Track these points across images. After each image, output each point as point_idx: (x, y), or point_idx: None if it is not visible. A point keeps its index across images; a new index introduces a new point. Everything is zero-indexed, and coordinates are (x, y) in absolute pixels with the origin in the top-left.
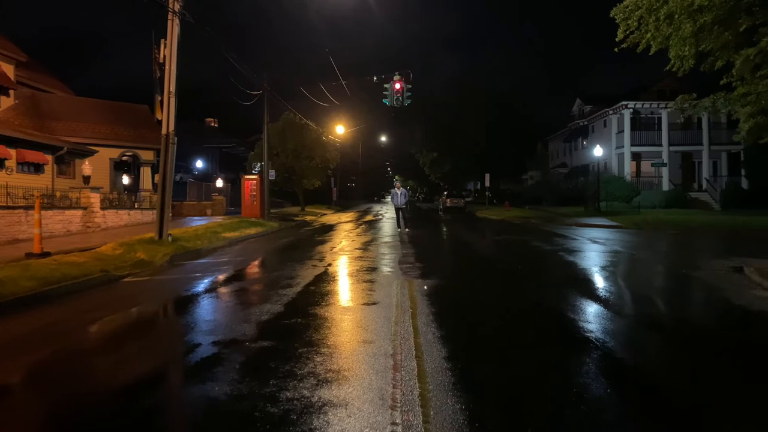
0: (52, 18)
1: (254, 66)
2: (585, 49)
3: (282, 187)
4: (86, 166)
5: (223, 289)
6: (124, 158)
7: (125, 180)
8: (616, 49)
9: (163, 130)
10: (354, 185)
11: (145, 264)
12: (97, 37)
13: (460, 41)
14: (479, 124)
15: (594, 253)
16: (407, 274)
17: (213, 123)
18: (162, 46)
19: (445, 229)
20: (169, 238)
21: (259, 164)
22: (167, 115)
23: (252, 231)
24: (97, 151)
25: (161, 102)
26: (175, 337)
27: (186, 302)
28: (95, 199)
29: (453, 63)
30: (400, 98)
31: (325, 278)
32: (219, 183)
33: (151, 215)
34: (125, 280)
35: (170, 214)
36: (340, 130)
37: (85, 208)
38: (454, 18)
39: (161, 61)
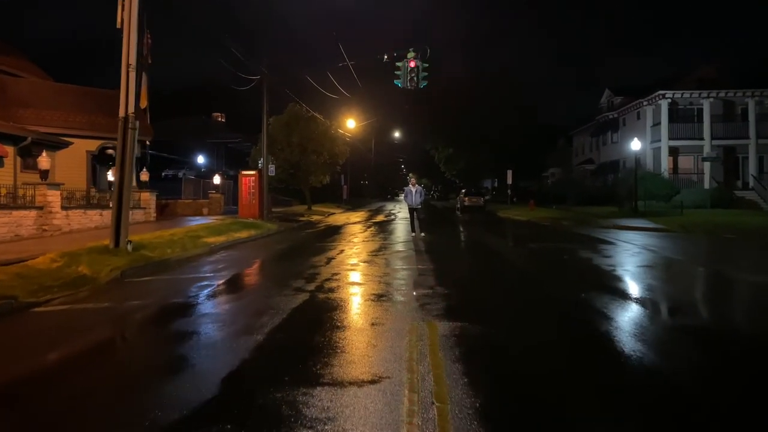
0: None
1: (252, 48)
2: (609, 42)
3: (288, 185)
4: (43, 159)
5: (150, 332)
6: (108, 151)
7: (110, 176)
8: None
9: (121, 112)
10: (366, 183)
11: (83, 282)
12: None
13: (480, 30)
14: (498, 118)
15: (664, 270)
16: (427, 310)
17: (220, 118)
18: (120, 8)
19: (467, 234)
20: (129, 246)
21: (262, 159)
22: (126, 93)
23: (243, 234)
24: (71, 143)
25: (125, 84)
26: None
27: (70, 364)
28: (53, 197)
29: (471, 53)
30: (415, 79)
31: (305, 316)
32: (216, 180)
33: (130, 215)
34: (37, 309)
35: (129, 215)
36: (350, 124)
37: (40, 208)
38: (473, 6)
39: (119, 26)
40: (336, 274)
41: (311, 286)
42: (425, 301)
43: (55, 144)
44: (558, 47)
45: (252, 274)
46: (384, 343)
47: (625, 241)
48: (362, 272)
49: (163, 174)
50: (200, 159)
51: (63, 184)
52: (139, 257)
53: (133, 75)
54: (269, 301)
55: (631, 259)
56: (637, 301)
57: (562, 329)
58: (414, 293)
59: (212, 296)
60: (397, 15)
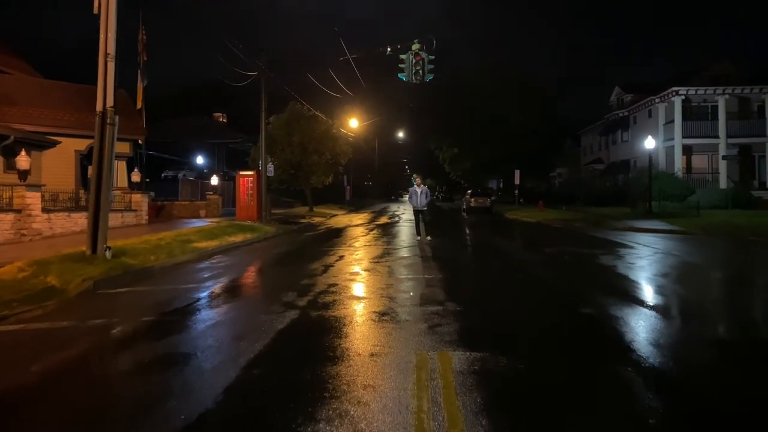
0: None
1: (251, 45)
2: (615, 43)
3: (289, 185)
4: (23, 158)
5: (101, 364)
6: None
7: None
8: None
9: (98, 106)
10: (370, 183)
11: (50, 295)
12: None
13: (485, 29)
14: (504, 117)
15: (699, 280)
16: (437, 334)
17: (221, 118)
18: None
19: (475, 237)
20: (107, 253)
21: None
22: (104, 85)
23: (238, 238)
24: (59, 142)
25: (103, 74)
26: None
27: None
28: (33, 199)
29: (477, 51)
30: (420, 72)
31: (291, 342)
32: (214, 180)
33: (119, 218)
34: None
35: (108, 219)
36: (353, 123)
37: (18, 211)
38: (479, 5)
39: (96, 11)
40: (333, 285)
41: (303, 301)
42: (435, 321)
43: (41, 143)
44: (564, 48)
45: (239, 286)
46: (385, 384)
47: (645, 245)
48: (362, 283)
49: (162, 175)
50: (201, 160)
51: (44, 185)
52: (118, 265)
53: (111, 65)
54: (253, 320)
55: (657, 267)
56: (692, 322)
57: (607, 362)
58: (421, 311)
59: (188, 313)
60: (402, 15)
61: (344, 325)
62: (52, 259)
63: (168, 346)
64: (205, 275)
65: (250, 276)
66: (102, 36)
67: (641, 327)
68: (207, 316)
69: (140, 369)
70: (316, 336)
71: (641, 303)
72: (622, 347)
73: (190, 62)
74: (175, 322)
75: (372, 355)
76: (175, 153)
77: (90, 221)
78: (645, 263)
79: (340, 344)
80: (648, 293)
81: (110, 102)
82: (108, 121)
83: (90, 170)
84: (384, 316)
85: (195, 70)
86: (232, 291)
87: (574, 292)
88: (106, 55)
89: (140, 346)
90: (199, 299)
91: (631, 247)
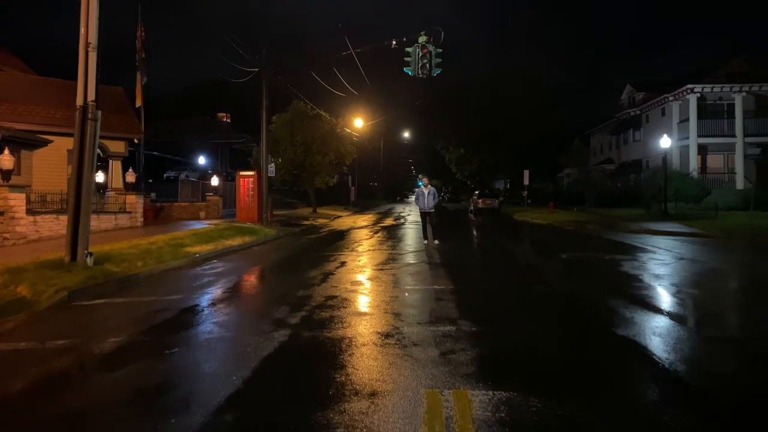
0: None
1: (253, 43)
2: (629, 38)
3: (292, 186)
4: (6, 157)
5: (40, 406)
6: None
7: (98, 177)
8: None
9: (78, 100)
10: (375, 184)
11: (18, 308)
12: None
13: (491, 26)
14: (511, 117)
15: (738, 291)
16: (452, 364)
17: (225, 118)
18: None
19: (485, 241)
20: (89, 259)
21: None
22: (84, 78)
23: (236, 242)
24: (50, 141)
25: (84, 66)
26: None
27: None
28: (17, 200)
29: (484, 50)
30: (427, 66)
31: (277, 375)
32: (215, 181)
33: (112, 221)
34: None
35: (89, 223)
36: (358, 123)
37: (1, 213)
38: (485, 5)
39: None
40: (331, 297)
41: (296, 318)
42: (448, 345)
43: (31, 142)
44: (569, 48)
45: (228, 298)
46: None
47: (665, 249)
48: (364, 295)
49: (164, 175)
50: (204, 160)
51: (29, 185)
52: (99, 273)
53: (93, 56)
54: (236, 343)
55: (686, 276)
56: (747, 344)
57: (661, 400)
58: (431, 331)
59: (164, 333)
60: (406, 17)
61: (341, 351)
62: (27, 266)
63: (129, 378)
64: (194, 284)
65: (243, 285)
66: (83, 24)
67: (688, 351)
68: (184, 337)
69: (86, 412)
70: (306, 366)
71: (679, 320)
72: (672, 377)
73: (194, 62)
74: (145, 345)
75: (372, 394)
76: (178, 153)
77: (69, 225)
78: (671, 271)
79: (334, 378)
80: (684, 309)
81: (92, 96)
82: (89, 116)
83: (69, 170)
84: (388, 338)
85: (199, 70)
86: (220, 304)
87: (602, 307)
88: (87, 45)
89: (95, 380)
90: (180, 314)
91: (652, 252)
